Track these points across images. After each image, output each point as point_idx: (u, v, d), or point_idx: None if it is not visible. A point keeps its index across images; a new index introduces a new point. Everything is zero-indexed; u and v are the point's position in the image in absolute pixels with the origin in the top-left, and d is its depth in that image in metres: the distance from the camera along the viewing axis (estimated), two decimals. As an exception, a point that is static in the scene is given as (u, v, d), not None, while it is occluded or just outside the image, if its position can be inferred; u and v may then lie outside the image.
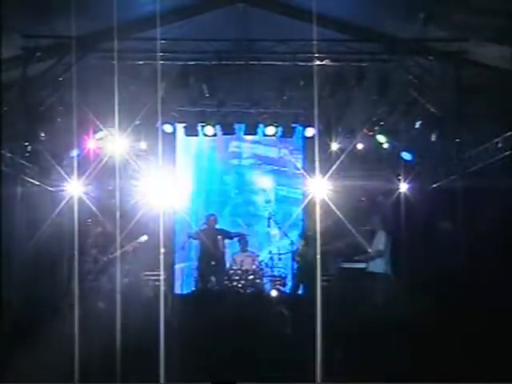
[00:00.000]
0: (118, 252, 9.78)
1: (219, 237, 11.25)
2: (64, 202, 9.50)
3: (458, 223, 10.37)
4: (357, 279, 10.85)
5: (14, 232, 8.91)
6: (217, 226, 11.49)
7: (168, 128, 11.22)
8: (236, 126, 11.31)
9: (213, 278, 11.13)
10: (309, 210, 11.12)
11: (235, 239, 11.77)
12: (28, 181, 9.71)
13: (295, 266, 11.47)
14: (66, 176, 9.79)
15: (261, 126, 11.35)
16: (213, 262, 11.10)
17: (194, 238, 11.42)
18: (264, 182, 13.44)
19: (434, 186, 11.14)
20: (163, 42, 8.92)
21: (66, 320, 5.03)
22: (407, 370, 4.91)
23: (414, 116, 10.28)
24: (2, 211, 8.58)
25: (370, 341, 5.30)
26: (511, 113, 8.28)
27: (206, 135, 11.30)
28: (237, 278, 11.37)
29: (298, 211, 11.85)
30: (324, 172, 10.15)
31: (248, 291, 11.10)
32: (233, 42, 10.06)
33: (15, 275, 8.92)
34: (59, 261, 11.08)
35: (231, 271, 11.49)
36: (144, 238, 10.34)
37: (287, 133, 11.35)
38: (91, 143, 10.31)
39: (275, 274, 11.92)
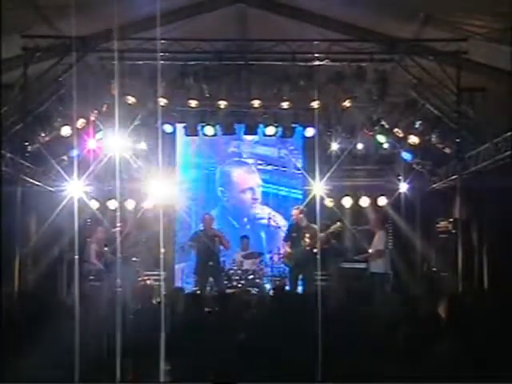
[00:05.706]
0: (119, 252, 9.83)
1: (216, 238, 11.23)
2: (64, 201, 9.50)
3: (458, 223, 10.38)
4: (357, 279, 10.88)
5: (14, 232, 8.89)
6: (213, 226, 11.49)
7: (168, 128, 11.22)
8: (236, 125, 11.29)
9: (211, 279, 11.13)
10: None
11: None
12: (28, 181, 9.70)
13: (286, 268, 11.49)
14: (66, 176, 9.78)
15: (261, 126, 11.33)
16: (210, 263, 11.09)
17: (190, 245, 11.41)
18: (263, 182, 13.45)
19: (434, 185, 11.13)
20: (163, 42, 8.92)
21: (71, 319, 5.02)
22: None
23: (414, 116, 10.29)
24: (2, 211, 8.57)
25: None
26: (511, 113, 8.26)
27: (205, 135, 11.29)
28: (237, 277, 11.39)
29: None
30: (324, 172, 10.17)
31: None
32: (233, 42, 10.06)
33: (15, 274, 8.93)
34: (59, 261, 11.10)
35: (231, 271, 11.51)
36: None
37: (287, 133, 11.33)
38: (91, 143, 10.29)
39: (275, 273, 11.95)
